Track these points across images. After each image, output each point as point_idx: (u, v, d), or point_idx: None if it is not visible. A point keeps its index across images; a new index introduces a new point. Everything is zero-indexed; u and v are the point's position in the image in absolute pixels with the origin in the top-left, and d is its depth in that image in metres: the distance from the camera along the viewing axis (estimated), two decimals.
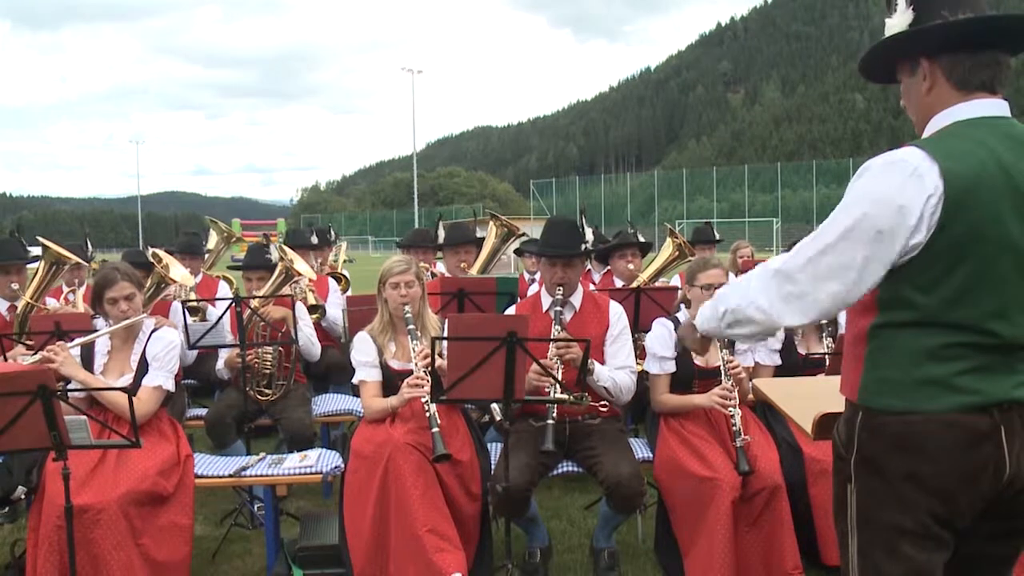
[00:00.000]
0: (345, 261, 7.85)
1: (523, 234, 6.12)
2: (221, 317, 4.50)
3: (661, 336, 3.95)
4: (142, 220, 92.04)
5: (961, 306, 1.73)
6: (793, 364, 4.12)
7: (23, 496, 4.08)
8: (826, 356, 4.05)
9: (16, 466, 3.91)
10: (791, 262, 1.84)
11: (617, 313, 4.00)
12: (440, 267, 6.16)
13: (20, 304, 4.78)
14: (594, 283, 6.03)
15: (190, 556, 3.63)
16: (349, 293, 6.27)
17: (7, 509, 4.60)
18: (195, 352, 4.74)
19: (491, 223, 5.84)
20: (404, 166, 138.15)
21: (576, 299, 3.97)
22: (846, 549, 1.90)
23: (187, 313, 4.72)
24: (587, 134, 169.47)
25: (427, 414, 3.53)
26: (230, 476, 3.82)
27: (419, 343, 3.72)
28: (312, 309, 5.38)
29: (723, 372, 3.72)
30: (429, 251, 6.20)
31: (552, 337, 3.72)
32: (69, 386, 3.71)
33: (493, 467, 3.70)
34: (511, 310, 4.20)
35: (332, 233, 7.79)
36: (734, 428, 3.59)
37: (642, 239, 5.89)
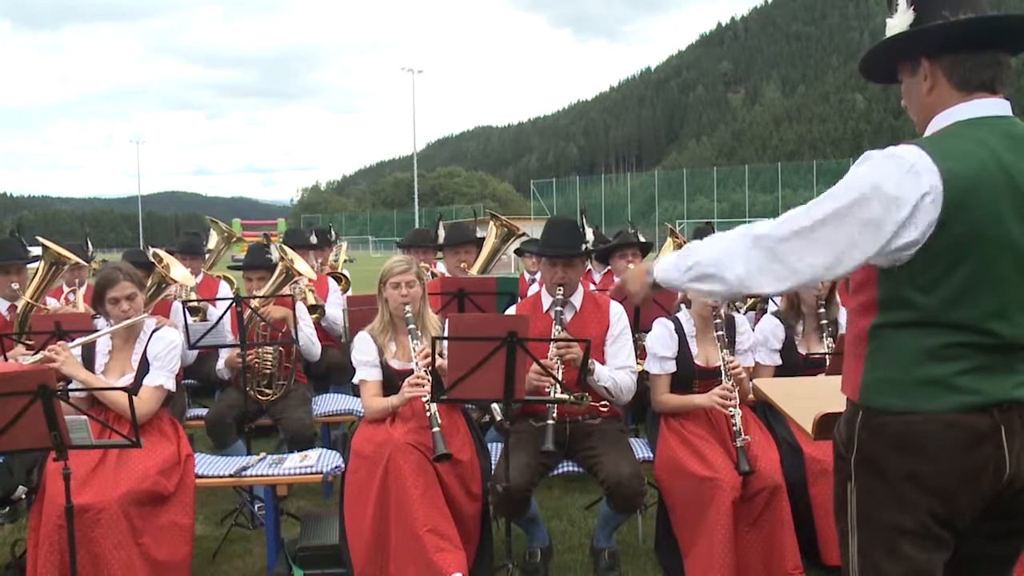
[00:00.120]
0: (345, 261, 7.86)
1: (523, 234, 6.12)
2: (221, 317, 4.50)
3: (661, 336, 3.95)
4: (142, 220, 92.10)
5: (961, 306, 1.73)
6: (793, 364, 4.12)
7: (24, 496, 4.09)
8: (826, 356, 4.05)
9: (17, 466, 3.92)
10: (776, 231, 1.82)
11: (617, 313, 4.00)
12: (440, 267, 6.16)
13: (20, 304, 4.78)
14: (595, 283, 6.03)
15: (190, 556, 3.63)
16: (349, 293, 6.27)
17: (8, 509, 4.60)
18: (195, 352, 4.74)
19: (491, 223, 5.84)
20: (404, 166, 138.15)
21: (576, 299, 3.97)
22: (846, 549, 1.90)
23: (187, 313, 4.72)
24: (587, 134, 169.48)
25: (428, 414, 3.54)
26: (230, 476, 3.82)
27: (420, 343, 3.72)
28: (311, 309, 5.38)
29: (723, 372, 3.72)
30: (429, 251, 6.21)
31: (552, 337, 3.72)
32: (70, 386, 3.71)
33: (493, 467, 3.70)
34: (511, 310, 4.21)
35: (332, 233, 7.80)
36: (734, 428, 3.60)
37: (642, 239, 5.89)
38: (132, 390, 3.35)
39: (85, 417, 3.03)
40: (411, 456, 3.49)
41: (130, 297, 3.85)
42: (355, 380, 3.95)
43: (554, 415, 3.63)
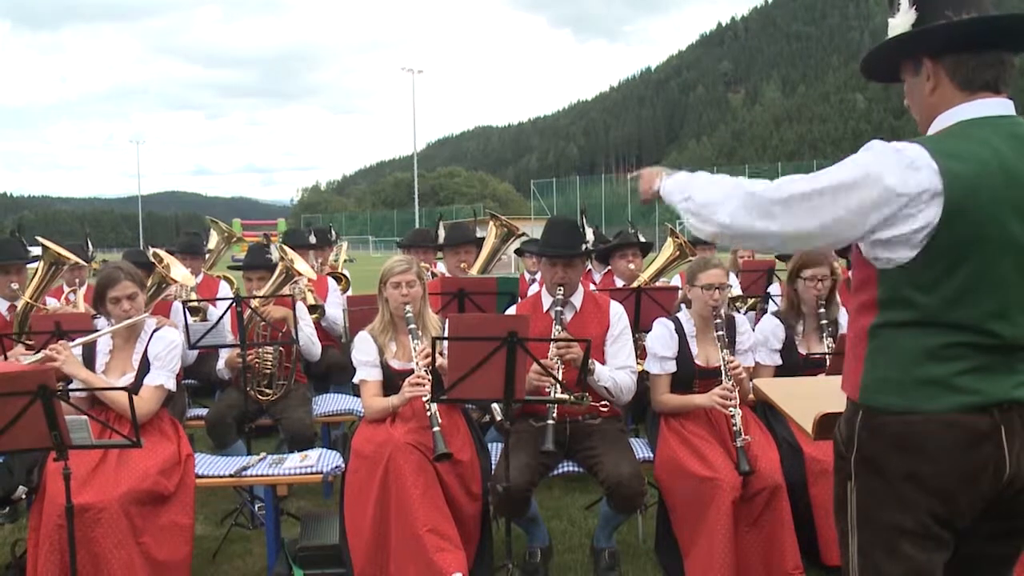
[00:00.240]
0: (346, 261, 7.85)
1: (523, 234, 6.12)
2: (221, 317, 4.50)
3: (662, 336, 3.95)
4: (142, 220, 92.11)
5: (962, 306, 1.73)
6: (793, 364, 4.12)
7: (24, 496, 4.09)
8: (827, 356, 4.04)
9: (17, 466, 3.91)
10: (771, 192, 1.81)
11: (618, 313, 4.00)
12: (440, 267, 6.16)
13: (20, 304, 4.78)
14: (595, 283, 6.03)
15: (191, 555, 3.63)
16: (349, 293, 6.27)
17: (8, 509, 4.60)
18: (196, 352, 4.74)
19: (491, 223, 5.84)
20: (404, 166, 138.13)
21: (577, 299, 3.97)
22: (846, 548, 1.90)
23: (188, 313, 4.72)
24: (587, 134, 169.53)
25: (428, 413, 3.54)
26: (231, 476, 3.82)
27: (420, 342, 3.72)
28: (311, 309, 5.39)
29: (723, 372, 3.72)
30: (429, 251, 6.21)
31: (553, 337, 3.72)
32: (70, 386, 3.71)
33: (493, 467, 3.70)
34: (511, 310, 4.21)
35: (333, 233, 7.80)
36: (734, 428, 3.60)
37: (643, 239, 5.89)
38: (133, 390, 3.35)
39: (85, 417, 3.04)
40: (411, 456, 3.49)
41: (131, 297, 3.85)
42: (355, 380, 3.95)
43: (554, 415, 3.63)
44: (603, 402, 3.84)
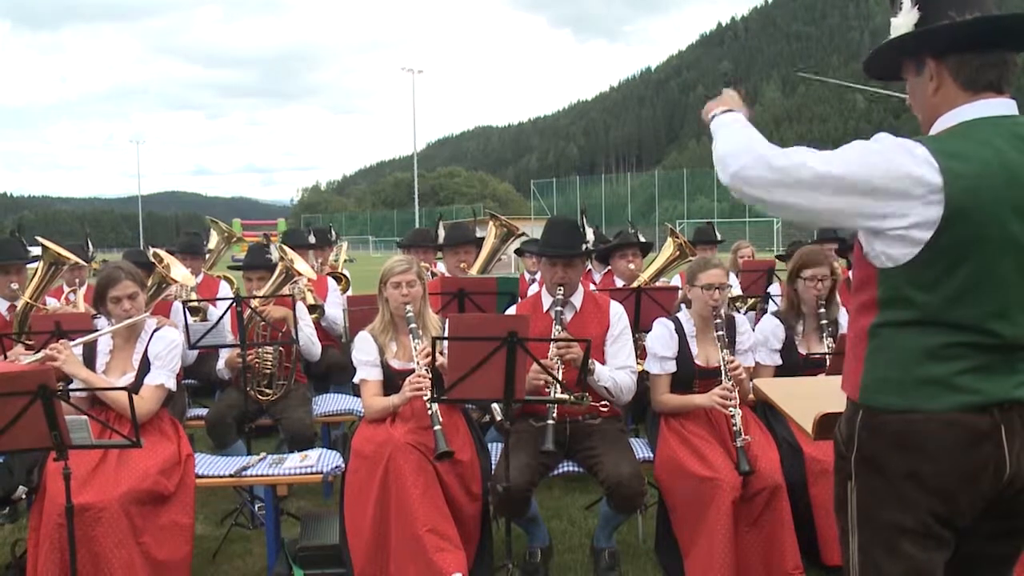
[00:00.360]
0: (346, 261, 7.86)
1: (523, 234, 6.12)
2: (221, 317, 4.50)
3: (662, 336, 3.95)
4: (143, 220, 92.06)
5: (962, 305, 1.73)
6: (793, 364, 4.12)
7: (24, 496, 4.09)
8: (827, 356, 4.04)
9: (17, 466, 3.92)
10: (777, 169, 1.80)
11: (618, 313, 4.00)
12: (440, 267, 6.16)
13: (19, 304, 4.78)
14: (595, 283, 6.03)
15: (191, 555, 3.64)
16: (349, 293, 6.27)
17: (8, 509, 4.60)
18: (196, 352, 4.74)
19: (490, 223, 5.84)
20: (404, 166, 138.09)
21: (577, 299, 3.97)
22: (847, 547, 1.91)
23: (188, 313, 4.72)
24: (587, 134, 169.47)
25: (429, 412, 3.54)
26: (231, 476, 3.82)
27: (421, 342, 3.72)
28: (311, 309, 5.39)
29: (723, 372, 3.72)
30: (429, 251, 6.21)
31: (552, 337, 3.72)
32: (70, 386, 3.72)
33: (493, 467, 3.70)
34: (511, 310, 4.21)
35: (333, 233, 7.80)
36: (734, 428, 3.60)
37: (643, 239, 5.89)
38: (133, 389, 3.35)
39: (85, 417, 3.04)
40: (411, 456, 3.49)
41: (132, 296, 3.85)
42: (356, 380, 3.95)
43: (554, 415, 3.63)
44: (603, 402, 3.84)
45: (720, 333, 3.79)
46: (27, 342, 4.21)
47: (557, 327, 3.80)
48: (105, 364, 3.89)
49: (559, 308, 3.85)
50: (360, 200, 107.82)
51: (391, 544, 3.46)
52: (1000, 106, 1.82)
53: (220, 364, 4.77)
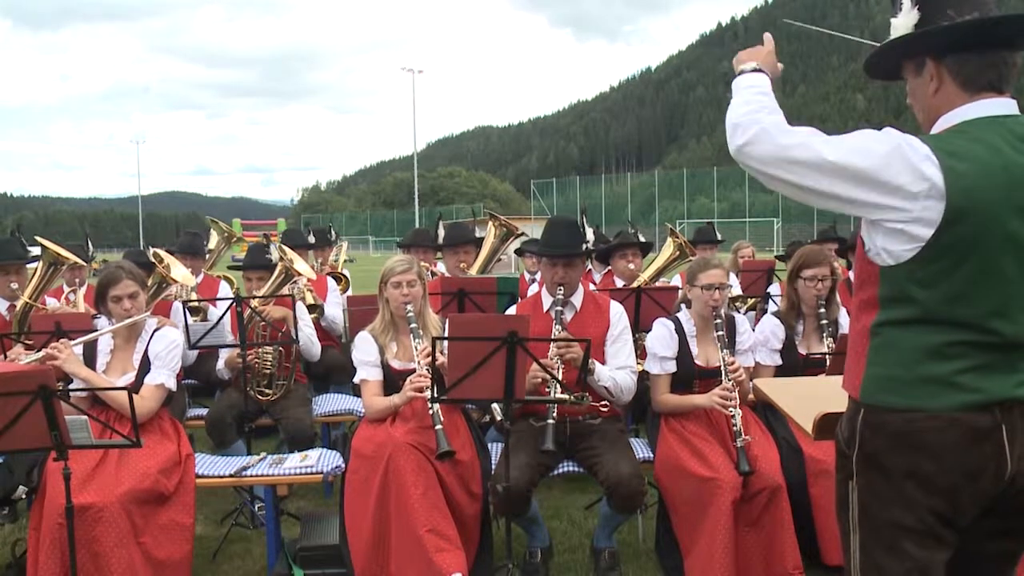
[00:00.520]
0: (346, 261, 7.86)
1: (522, 234, 6.12)
2: (222, 317, 4.50)
3: (662, 336, 3.95)
4: (143, 220, 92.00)
5: (963, 304, 1.73)
6: (793, 364, 4.12)
7: (24, 496, 4.09)
8: (827, 356, 4.04)
9: (17, 466, 3.92)
10: (790, 138, 1.82)
11: (618, 313, 4.00)
12: (440, 267, 6.16)
13: (19, 304, 4.78)
14: (595, 283, 6.03)
15: (191, 555, 3.63)
16: (349, 293, 6.27)
17: (8, 509, 4.60)
18: (196, 352, 4.74)
19: (490, 223, 5.85)
20: (405, 166, 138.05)
21: (577, 299, 3.97)
22: (848, 546, 1.91)
23: (188, 313, 4.72)
24: (587, 134, 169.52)
25: (430, 412, 3.54)
26: (231, 476, 3.82)
27: (422, 342, 3.72)
28: (310, 308, 5.39)
29: (723, 372, 3.72)
30: (429, 251, 6.21)
31: (553, 337, 3.72)
32: (70, 385, 3.72)
33: (494, 467, 3.70)
34: (512, 310, 4.21)
35: (332, 233, 7.80)
36: (735, 428, 3.59)
37: (642, 239, 5.89)
38: (133, 389, 3.35)
39: (85, 417, 3.03)
40: (411, 456, 3.49)
41: (132, 296, 3.86)
42: (356, 380, 3.95)
43: (554, 415, 3.63)
44: (603, 402, 3.84)
45: (720, 333, 3.79)
46: (27, 342, 4.21)
47: (557, 327, 3.80)
48: (105, 364, 3.89)
49: (559, 308, 3.85)
50: (360, 200, 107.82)
51: (391, 544, 3.46)
52: (1000, 106, 1.82)
53: (220, 364, 4.77)
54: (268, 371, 4.66)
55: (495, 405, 3.87)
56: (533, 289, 5.51)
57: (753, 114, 1.87)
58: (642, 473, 3.62)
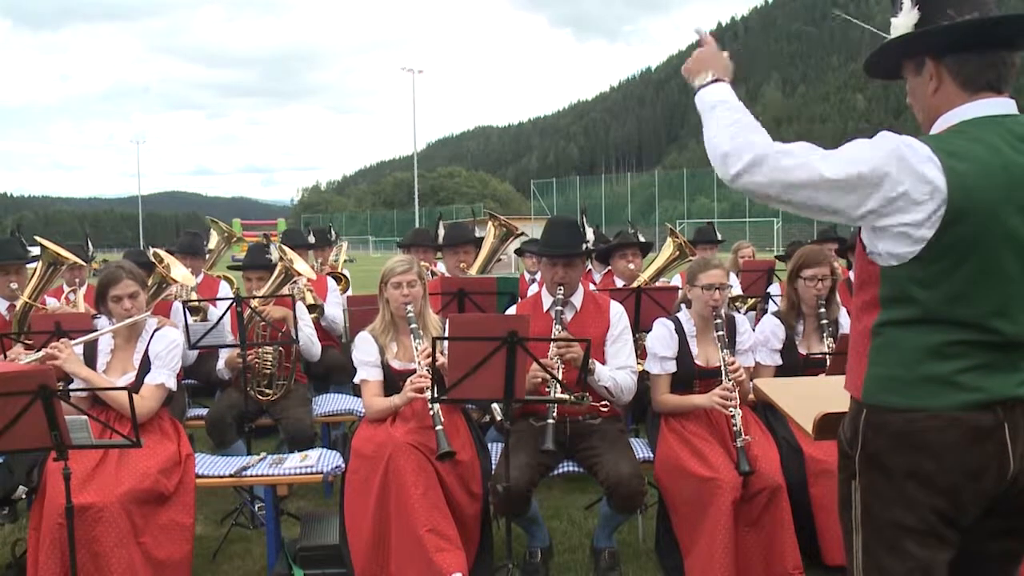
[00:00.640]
0: (346, 261, 7.86)
1: (522, 233, 6.12)
2: (222, 317, 4.50)
3: (662, 336, 3.95)
4: (143, 220, 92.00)
5: (963, 303, 1.73)
6: (794, 364, 4.12)
7: (24, 496, 4.09)
8: (827, 356, 4.04)
9: (17, 466, 3.92)
10: (787, 160, 1.78)
11: (618, 313, 4.00)
12: (440, 267, 6.16)
13: (18, 304, 4.78)
14: (595, 283, 6.03)
15: (191, 555, 3.63)
16: (349, 293, 6.27)
17: (8, 509, 4.60)
18: (196, 352, 4.74)
19: (490, 223, 5.85)
20: (405, 166, 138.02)
21: (577, 299, 3.97)
22: (850, 546, 1.91)
23: (188, 313, 4.72)
24: (587, 134, 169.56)
25: (431, 412, 3.54)
26: (231, 476, 3.82)
27: (422, 342, 3.72)
28: (310, 308, 5.39)
29: (724, 372, 3.72)
30: (429, 251, 6.21)
31: (553, 337, 3.72)
32: (70, 385, 3.71)
33: (494, 467, 3.70)
34: (512, 310, 4.21)
35: (332, 233, 7.80)
36: (735, 428, 3.59)
37: (642, 239, 5.89)
38: (133, 389, 3.35)
39: (85, 417, 3.03)
40: (411, 456, 3.49)
41: (132, 295, 3.86)
42: (356, 380, 3.95)
43: (554, 415, 3.63)
44: (603, 402, 3.84)
45: (720, 333, 3.79)
46: (27, 342, 4.21)
47: (557, 327, 3.80)
48: (106, 363, 3.89)
49: (559, 308, 3.85)
50: (360, 200, 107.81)
51: (391, 544, 3.46)
52: (999, 106, 1.82)
53: (220, 364, 4.77)
54: (268, 371, 4.66)
55: (495, 405, 3.87)
56: (533, 289, 5.51)
57: (739, 137, 1.84)
58: (642, 473, 3.62)
